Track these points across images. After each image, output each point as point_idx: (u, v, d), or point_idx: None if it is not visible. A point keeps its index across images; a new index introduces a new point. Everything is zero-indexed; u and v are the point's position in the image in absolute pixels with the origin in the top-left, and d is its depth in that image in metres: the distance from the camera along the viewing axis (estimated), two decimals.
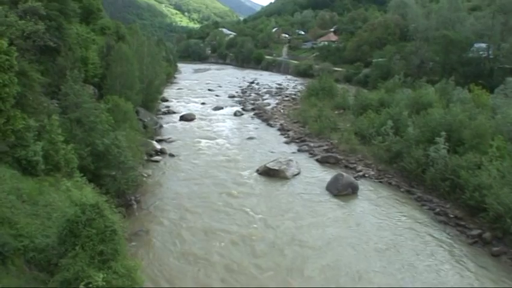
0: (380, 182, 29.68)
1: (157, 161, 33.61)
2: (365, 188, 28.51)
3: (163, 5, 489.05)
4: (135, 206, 24.06)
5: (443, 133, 27.43)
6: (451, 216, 23.63)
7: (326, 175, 30.62)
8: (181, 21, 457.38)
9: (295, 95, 72.42)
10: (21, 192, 14.21)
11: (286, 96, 70.95)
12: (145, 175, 29.31)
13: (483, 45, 60.25)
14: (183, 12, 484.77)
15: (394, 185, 28.82)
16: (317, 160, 34.57)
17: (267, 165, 31.34)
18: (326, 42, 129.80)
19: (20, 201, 13.64)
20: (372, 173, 31.15)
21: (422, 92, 38.98)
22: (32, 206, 13.80)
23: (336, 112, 49.42)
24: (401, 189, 28.03)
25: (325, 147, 37.62)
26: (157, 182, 29.10)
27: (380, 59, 78.00)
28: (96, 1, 42.96)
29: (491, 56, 58.56)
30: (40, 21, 21.53)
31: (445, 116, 29.81)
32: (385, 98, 42.72)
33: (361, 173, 30.98)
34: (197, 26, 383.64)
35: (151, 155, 34.21)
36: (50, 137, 18.09)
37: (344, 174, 28.64)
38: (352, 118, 44.01)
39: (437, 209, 24.53)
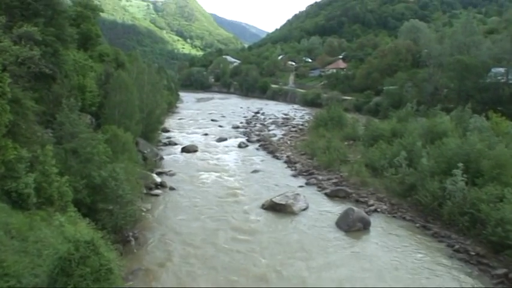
0: (393, 216, 29.28)
1: (157, 195, 33.38)
2: (377, 223, 28.10)
3: (164, 31, 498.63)
4: (133, 243, 23.72)
5: (460, 164, 27.16)
6: (472, 253, 23.07)
7: (336, 210, 30.27)
8: (183, 48, 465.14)
9: (302, 125, 72.57)
10: (10, 228, 14.04)
11: (293, 127, 71.08)
12: (145, 210, 29.07)
13: (501, 69, 60.11)
14: (185, 38, 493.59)
15: (408, 220, 28.40)
16: (326, 194, 34.24)
17: (273, 199, 31.06)
18: (334, 70, 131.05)
19: (8, 237, 13.46)
20: (385, 207, 30.78)
21: (436, 121, 38.87)
22: (21, 243, 13.62)
23: (346, 143, 49.30)
24: (417, 225, 27.59)
25: (335, 180, 37.33)
26: (157, 218, 28.82)
27: (391, 87, 78.42)
28: (95, 27, 43.68)
29: (510, 81, 58.36)
30: (35, 47, 21.75)
31: (462, 146, 29.62)
32: (398, 128, 42.66)
33: (373, 208, 30.61)
34: (200, 53, 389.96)
35: (150, 189, 34.03)
36: (43, 169, 18.05)
37: (355, 208, 28.31)
38: (362, 149, 43.83)
39: (457, 246, 24.01)
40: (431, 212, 28.13)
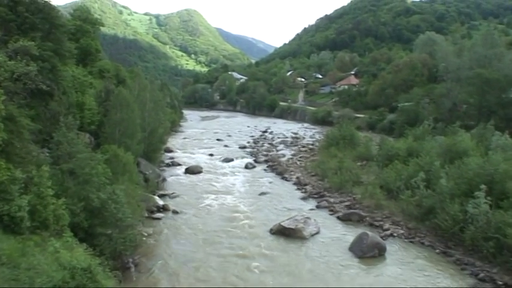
0: (411, 241, 28.87)
1: (159, 219, 33.22)
2: (394, 249, 27.70)
3: (167, 47, 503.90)
4: (132, 270, 23.50)
5: (483, 186, 26.79)
6: (500, 282, 22.44)
7: (349, 234, 29.93)
8: (187, 64, 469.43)
9: (312, 145, 72.51)
10: (0, 254, 13.88)
11: (303, 147, 70.99)
12: (146, 234, 28.88)
13: None
14: (189, 54, 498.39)
15: (427, 246, 27.96)
16: (338, 217, 33.94)
17: (282, 223, 30.79)
18: (346, 86, 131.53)
19: None
20: (401, 231, 30.38)
21: (456, 139, 38.59)
22: (12, 270, 13.41)
23: (359, 163, 49.05)
24: (437, 250, 27.14)
25: (347, 203, 37.03)
26: (158, 243, 28.61)
27: (406, 103, 78.36)
28: (95, 41, 44.17)
29: None
30: (32, 62, 21.89)
31: (485, 166, 29.25)
32: (414, 147, 42.39)
33: (388, 232, 30.23)
34: (205, 69, 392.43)
35: (152, 212, 33.91)
36: (38, 190, 17.94)
37: (369, 233, 27.95)
38: (376, 170, 43.55)
39: (481, 274, 23.44)
40: (452, 237, 27.66)
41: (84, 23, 43.63)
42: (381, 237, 28.58)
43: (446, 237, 28.05)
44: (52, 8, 28.59)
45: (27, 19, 26.38)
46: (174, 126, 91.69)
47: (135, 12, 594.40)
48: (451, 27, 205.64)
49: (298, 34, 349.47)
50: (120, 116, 36.14)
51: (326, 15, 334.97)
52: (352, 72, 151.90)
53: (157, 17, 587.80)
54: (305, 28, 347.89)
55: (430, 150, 38.53)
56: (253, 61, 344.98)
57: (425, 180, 32.49)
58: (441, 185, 30.31)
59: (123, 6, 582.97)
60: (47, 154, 23.45)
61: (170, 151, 64.26)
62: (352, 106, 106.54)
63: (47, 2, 28.29)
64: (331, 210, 35.75)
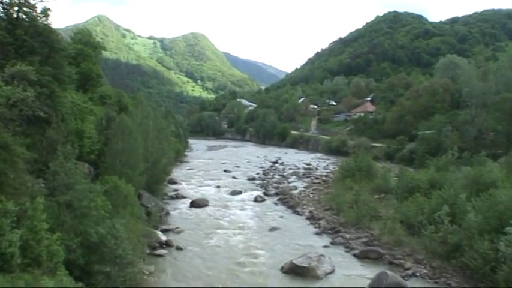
0: (436, 282, 28.27)
1: (161, 255, 32.92)
2: None
3: (172, 72, 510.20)
4: None
5: None
6: None
7: (366, 273, 29.43)
8: (193, 90, 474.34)
9: (326, 176, 72.26)
10: None
11: (316, 178, 70.74)
12: (147, 272, 28.58)
13: None
14: (195, 80, 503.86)
15: (454, 287, 27.39)
16: (355, 255, 33.47)
17: (294, 261, 30.39)
18: (362, 114, 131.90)
19: None
20: (425, 271, 29.83)
21: (483, 169, 38.22)
22: None
23: (376, 196, 48.67)
24: None
25: (364, 239, 36.55)
26: (161, 282, 28.29)
27: (427, 131, 78.13)
28: (96, 66, 44.67)
29: None
30: (29, 88, 22.14)
31: None
32: (436, 178, 41.98)
33: (410, 271, 29.70)
34: (212, 96, 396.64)
35: (154, 248, 33.62)
36: (31, 224, 17.86)
37: (389, 272, 27.41)
38: (396, 203, 43.15)
39: None
40: (483, 278, 26.95)
41: (85, 47, 44.23)
42: (402, 277, 28.03)
43: (476, 278, 27.36)
44: (52, 31, 29.10)
45: (25, 42, 26.81)
46: (179, 156, 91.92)
47: (139, 36, 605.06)
48: (474, 49, 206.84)
49: (310, 59, 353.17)
50: (121, 145, 36.27)
51: (340, 38, 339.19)
52: (368, 99, 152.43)
53: (162, 40, 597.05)
54: (318, 52, 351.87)
55: (455, 181, 38.08)
56: (262, 87, 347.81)
57: (450, 214, 32.01)
58: (468, 219, 29.79)
59: (127, 30, 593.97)
60: (43, 185, 23.46)
61: (174, 183, 64.18)
62: (368, 135, 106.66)
63: (47, 24, 28.82)
64: (347, 247, 35.29)
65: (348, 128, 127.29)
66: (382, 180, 52.55)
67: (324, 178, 70.35)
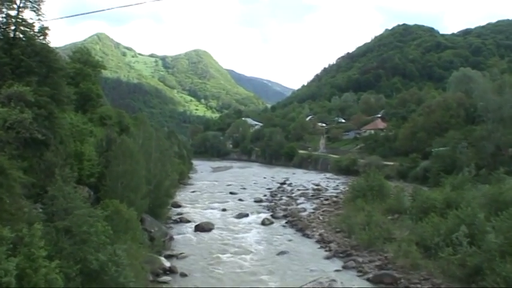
0: None
1: (165, 282, 32.75)
2: None
3: (175, 91, 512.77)
4: None
5: None
6: None
7: None
8: (196, 109, 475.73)
9: (336, 197, 71.95)
10: None
11: (326, 199, 70.56)
12: None
13: None
14: (199, 99, 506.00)
15: None
16: (368, 280, 33.12)
17: (304, 287, 30.19)
18: (372, 131, 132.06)
19: None
20: None
21: (502, 187, 37.96)
22: None
23: (390, 217, 48.36)
24: None
25: (378, 263, 36.24)
26: None
27: (441, 148, 77.89)
28: (96, 86, 45.02)
29: None
30: (27, 109, 22.22)
31: None
32: (453, 197, 41.69)
33: None
34: (216, 115, 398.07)
35: (158, 275, 33.43)
36: (28, 252, 17.74)
37: None
38: (410, 224, 42.75)
39: None
40: None
41: (85, 66, 44.64)
42: None
43: None
44: (50, 51, 29.36)
45: (22, 62, 27.00)
46: (183, 178, 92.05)
47: (140, 54, 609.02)
48: (488, 62, 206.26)
49: (317, 75, 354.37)
50: (122, 167, 36.31)
51: (348, 53, 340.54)
52: (379, 115, 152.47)
53: (163, 58, 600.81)
54: (325, 68, 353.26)
55: (472, 200, 37.79)
56: (268, 105, 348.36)
57: (469, 235, 31.69)
58: (488, 240, 29.45)
59: (127, 48, 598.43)
60: (40, 210, 23.41)
61: (178, 206, 64.06)
62: (379, 153, 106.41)
63: (44, 44, 29.08)
64: (360, 271, 34.97)
65: (358, 146, 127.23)
66: (395, 200, 52.23)
67: (334, 199, 70.10)
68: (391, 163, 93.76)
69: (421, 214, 42.18)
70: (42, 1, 28.62)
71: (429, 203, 43.11)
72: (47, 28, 29.14)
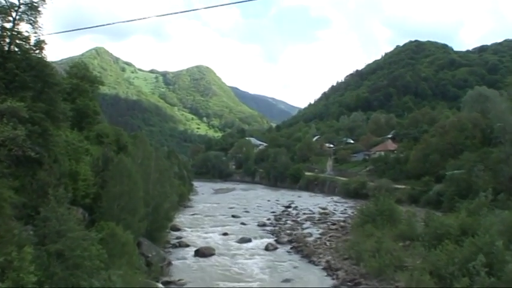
0: None
1: None
2: None
3: (175, 108, 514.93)
4: None
5: None
6: None
7: None
8: (198, 128, 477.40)
9: (344, 222, 71.79)
10: None
11: (333, 224, 70.36)
12: None
13: None
14: (200, 117, 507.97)
15: None
16: None
17: None
18: (382, 153, 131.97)
19: None
20: None
21: None
22: None
23: (401, 244, 47.94)
24: None
25: None
26: None
27: (456, 171, 77.43)
28: (93, 102, 45.12)
29: None
30: (20, 126, 22.18)
31: None
32: (469, 223, 41.35)
33: None
34: (218, 134, 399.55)
35: None
36: (17, 277, 17.56)
37: None
38: (423, 252, 42.31)
39: None
40: None
41: (82, 81, 44.81)
42: None
43: None
44: (46, 65, 29.46)
45: (17, 77, 27.06)
46: (183, 200, 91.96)
47: (140, 70, 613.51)
48: (505, 80, 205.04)
49: (324, 93, 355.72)
50: (120, 188, 36.26)
51: (357, 71, 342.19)
52: (389, 136, 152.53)
53: (164, 75, 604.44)
54: (333, 86, 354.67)
55: (490, 227, 37.43)
56: (273, 125, 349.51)
57: (487, 264, 31.35)
58: (508, 270, 29.13)
59: (126, 63, 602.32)
60: (31, 232, 23.22)
61: (177, 229, 63.94)
62: (390, 175, 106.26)
63: (40, 57, 29.17)
64: None
65: (368, 169, 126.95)
66: (406, 225, 51.86)
67: (341, 224, 69.90)
68: (402, 186, 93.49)
69: (434, 241, 41.79)
70: (39, 14, 28.78)
71: (443, 229, 42.72)
72: (43, 41, 29.27)
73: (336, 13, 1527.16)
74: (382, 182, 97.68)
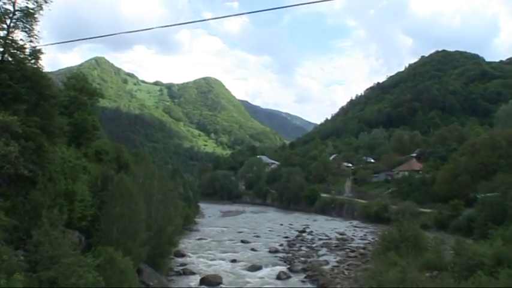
0: None
1: None
2: None
3: (181, 123, 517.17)
4: None
5: None
6: None
7: None
8: (205, 145, 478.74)
9: (364, 249, 71.54)
10: None
11: (352, 251, 70.15)
12: None
13: None
14: (208, 133, 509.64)
15: None
16: None
17: None
18: (406, 173, 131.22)
19: None
20: None
21: None
22: None
23: (428, 274, 47.47)
24: None
25: None
26: None
27: (489, 194, 76.80)
28: (92, 116, 45.30)
29: None
30: (13, 141, 22.19)
31: None
32: (504, 252, 40.87)
33: None
34: (227, 152, 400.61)
35: None
36: None
37: None
38: (452, 283, 41.92)
39: None
40: None
41: (80, 94, 45.08)
42: None
43: None
44: (42, 76, 29.52)
45: (10, 88, 27.10)
46: (188, 224, 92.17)
47: (143, 82, 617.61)
48: None
49: (343, 108, 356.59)
50: (119, 209, 36.24)
51: (378, 83, 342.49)
52: (414, 155, 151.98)
53: (169, 87, 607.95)
54: (352, 100, 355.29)
55: None
56: (287, 142, 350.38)
57: None
58: None
59: (128, 74, 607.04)
60: (22, 258, 23.12)
61: (182, 255, 63.84)
62: (414, 198, 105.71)
63: (36, 68, 29.22)
64: None
65: (390, 190, 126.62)
66: (433, 254, 51.37)
67: (361, 251, 69.65)
68: (428, 210, 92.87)
69: (465, 272, 41.25)
70: (35, 21, 28.89)
71: (476, 259, 42.22)
72: (39, 51, 29.35)
73: (354, 21, 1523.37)
74: (405, 205, 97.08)
